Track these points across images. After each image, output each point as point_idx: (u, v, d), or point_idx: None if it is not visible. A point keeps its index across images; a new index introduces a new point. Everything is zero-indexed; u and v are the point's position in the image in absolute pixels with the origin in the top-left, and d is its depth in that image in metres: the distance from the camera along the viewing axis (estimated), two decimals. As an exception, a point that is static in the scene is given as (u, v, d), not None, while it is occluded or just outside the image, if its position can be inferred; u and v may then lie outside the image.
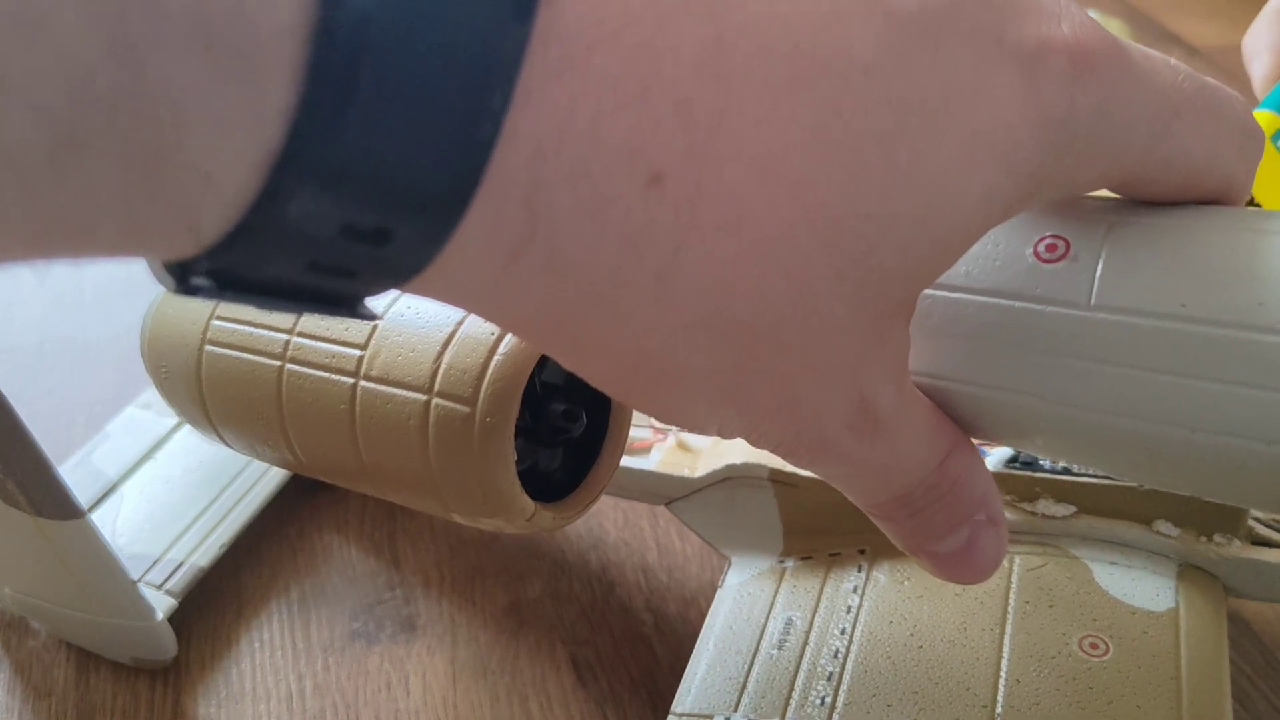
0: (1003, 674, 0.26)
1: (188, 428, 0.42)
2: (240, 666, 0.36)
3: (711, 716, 0.27)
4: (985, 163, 0.17)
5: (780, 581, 0.31)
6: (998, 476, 0.30)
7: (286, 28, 0.12)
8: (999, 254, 0.20)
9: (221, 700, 0.35)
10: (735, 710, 0.27)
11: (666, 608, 0.37)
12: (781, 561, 0.32)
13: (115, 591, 0.33)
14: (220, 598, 0.38)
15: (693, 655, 0.30)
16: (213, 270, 0.14)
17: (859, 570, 0.31)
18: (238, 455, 0.40)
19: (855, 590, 0.30)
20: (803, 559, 0.32)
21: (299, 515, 0.41)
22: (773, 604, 0.30)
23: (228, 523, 0.37)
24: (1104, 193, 0.20)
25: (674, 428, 0.36)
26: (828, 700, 0.27)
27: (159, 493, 0.39)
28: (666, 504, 0.35)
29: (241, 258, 0.14)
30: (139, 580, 0.35)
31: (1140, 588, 0.28)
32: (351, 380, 0.27)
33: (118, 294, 0.53)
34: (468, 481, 0.25)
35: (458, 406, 0.25)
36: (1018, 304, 0.19)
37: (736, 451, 0.33)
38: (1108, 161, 0.18)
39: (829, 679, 0.27)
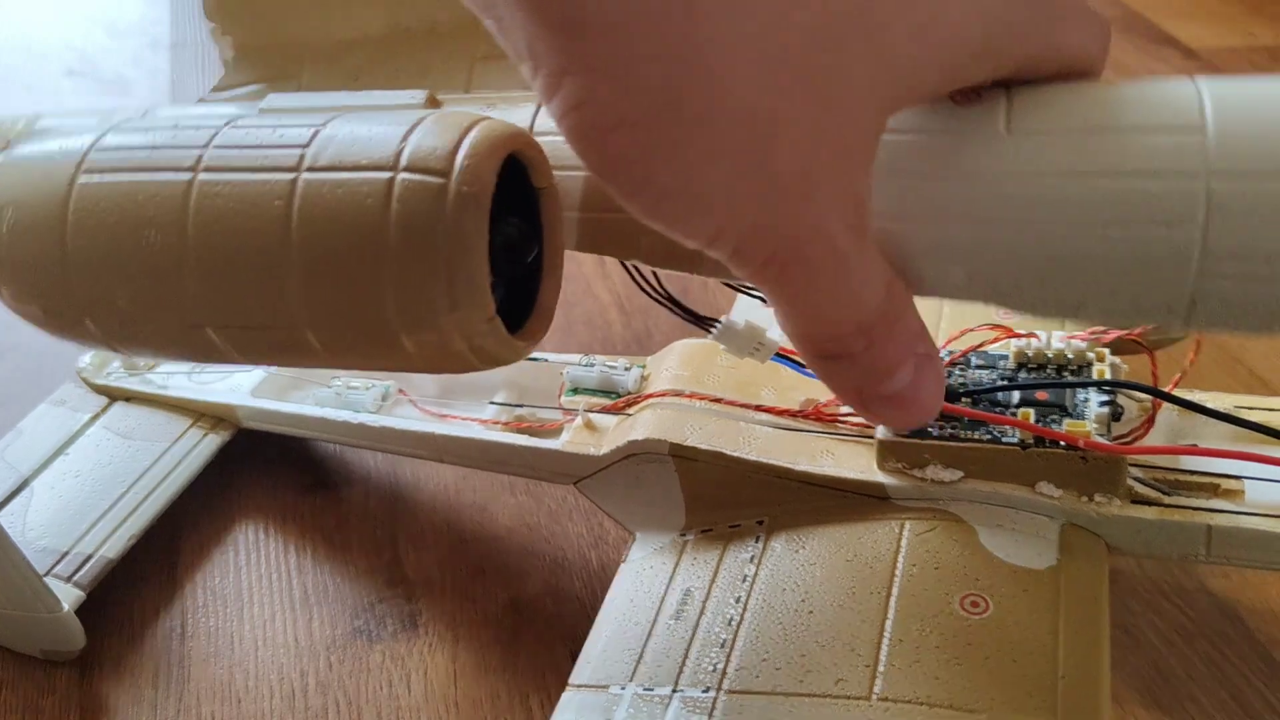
0: (886, 634, 0.27)
1: (100, 424, 0.42)
2: (243, 664, 0.36)
3: (607, 687, 0.28)
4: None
5: (681, 554, 0.32)
6: (889, 445, 0.31)
7: None
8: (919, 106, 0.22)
9: (224, 697, 0.35)
10: (630, 680, 0.28)
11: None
12: (683, 535, 0.33)
13: (20, 584, 0.33)
14: (223, 595, 0.38)
15: (593, 629, 0.30)
16: None
17: (756, 540, 0.31)
18: (148, 451, 0.40)
19: (752, 560, 0.30)
20: (703, 532, 0.32)
21: (300, 514, 0.42)
22: (672, 576, 0.31)
23: (136, 516, 0.37)
24: None
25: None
26: (719, 666, 0.27)
27: (69, 488, 0.39)
28: (575, 483, 0.36)
29: None
30: (47, 573, 0.35)
31: (1023, 548, 0.28)
32: (290, 175, 0.23)
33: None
34: (433, 263, 0.22)
35: (429, 179, 0.22)
36: (946, 137, 0.21)
37: (639, 429, 0.34)
38: (1035, 41, 0.21)
39: (721, 646, 0.28)
